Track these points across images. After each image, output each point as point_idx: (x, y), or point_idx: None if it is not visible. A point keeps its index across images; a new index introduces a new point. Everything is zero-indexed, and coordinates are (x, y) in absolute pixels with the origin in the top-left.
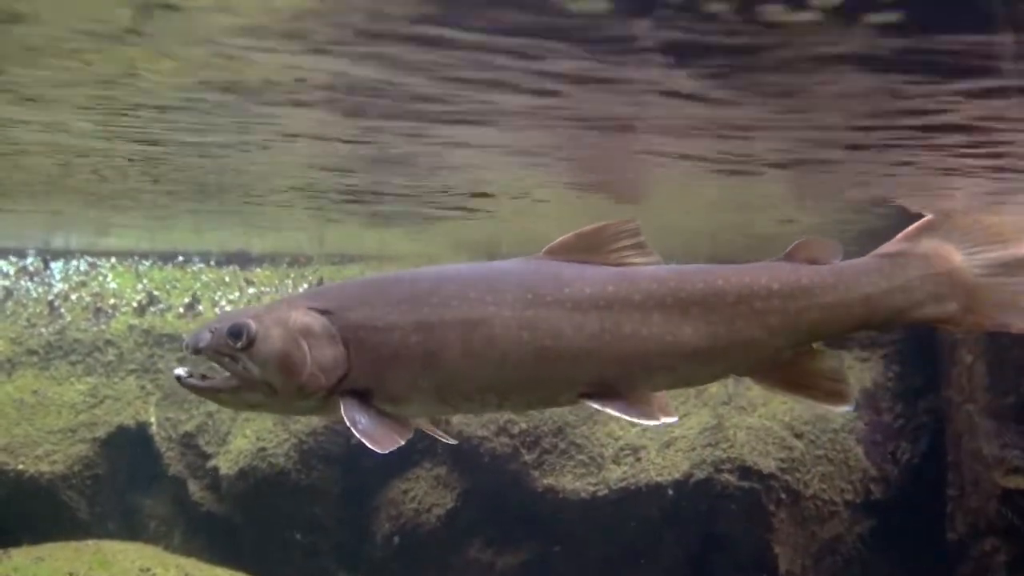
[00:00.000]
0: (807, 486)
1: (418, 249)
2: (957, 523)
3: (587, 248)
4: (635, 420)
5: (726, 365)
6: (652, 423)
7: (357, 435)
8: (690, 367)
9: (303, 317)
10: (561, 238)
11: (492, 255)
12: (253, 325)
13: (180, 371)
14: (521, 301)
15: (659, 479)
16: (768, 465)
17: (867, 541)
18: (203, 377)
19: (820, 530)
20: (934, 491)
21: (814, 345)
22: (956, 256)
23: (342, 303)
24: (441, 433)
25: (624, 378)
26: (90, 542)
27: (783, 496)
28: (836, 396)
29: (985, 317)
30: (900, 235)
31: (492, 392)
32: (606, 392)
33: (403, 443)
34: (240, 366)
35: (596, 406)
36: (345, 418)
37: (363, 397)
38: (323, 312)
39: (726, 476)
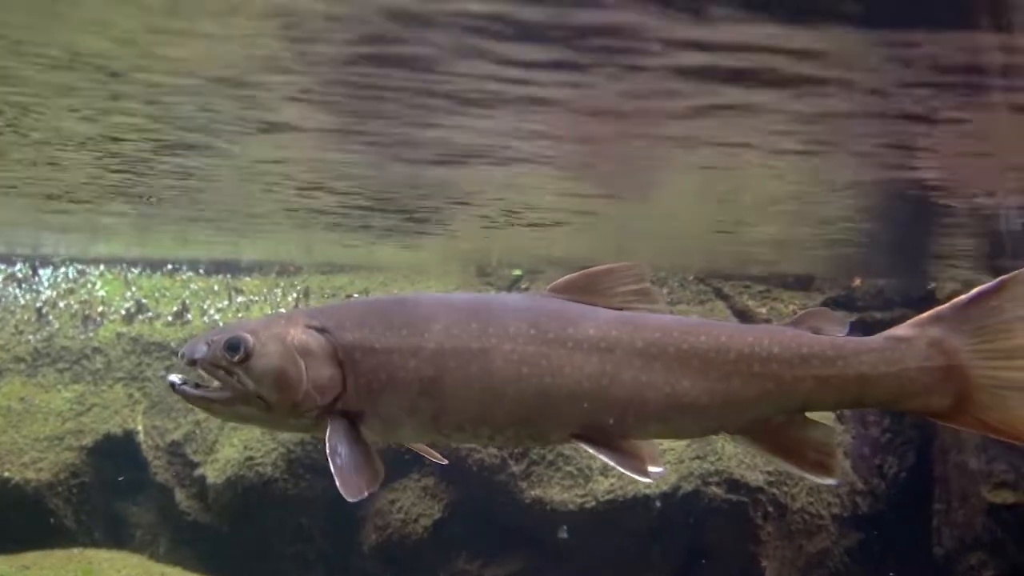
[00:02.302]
0: (794, 499)
1: (408, 260)
2: (944, 537)
3: (592, 289)
4: (625, 472)
5: (718, 422)
6: (643, 478)
7: (332, 468)
8: (684, 420)
9: (301, 334)
10: (567, 277)
11: (481, 267)
12: (250, 339)
13: (174, 378)
14: (523, 336)
15: (647, 491)
16: (756, 478)
17: (854, 555)
18: (197, 386)
19: (807, 544)
20: (921, 505)
21: (807, 414)
22: (960, 352)
23: (341, 322)
24: (431, 452)
25: (618, 423)
26: (75, 550)
27: (770, 509)
28: (821, 468)
29: (976, 419)
30: (912, 320)
31: (486, 424)
32: (598, 436)
33: (367, 495)
34: (235, 380)
35: (589, 449)
36: (327, 445)
37: (354, 421)
38: (321, 330)
39: (714, 489)
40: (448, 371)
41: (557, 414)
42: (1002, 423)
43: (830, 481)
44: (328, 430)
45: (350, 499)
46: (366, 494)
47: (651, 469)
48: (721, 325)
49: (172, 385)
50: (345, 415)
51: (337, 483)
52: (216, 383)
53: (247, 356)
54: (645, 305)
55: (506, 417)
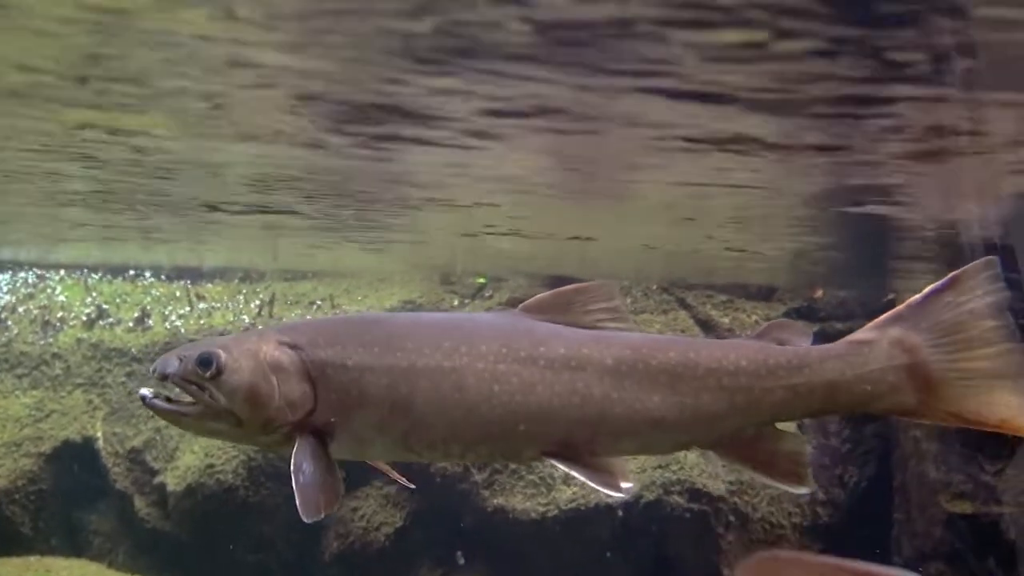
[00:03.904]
0: (755, 509)
1: (372, 267)
2: (903, 547)
3: (563, 308)
4: (598, 488)
5: (690, 437)
6: (615, 494)
7: (294, 485)
8: (655, 435)
9: (274, 351)
10: (538, 296)
11: (445, 275)
12: (223, 355)
13: (145, 391)
14: (495, 354)
15: (609, 500)
16: (717, 487)
17: None
18: (168, 400)
19: None
20: (881, 515)
21: (777, 425)
22: (920, 349)
23: (314, 339)
24: (397, 475)
25: (590, 440)
26: (33, 558)
27: (732, 518)
28: (794, 477)
29: (944, 411)
30: (871, 323)
31: (457, 442)
32: (570, 453)
33: (323, 515)
34: (207, 395)
35: (560, 466)
36: (292, 462)
37: (324, 439)
38: (293, 347)
39: (676, 498)
40: (420, 389)
41: (528, 432)
42: (969, 413)
43: (803, 490)
44: (295, 447)
45: (307, 519)
46: (323, 515)
47: (622, 484)
48: (689, 341)
49: (143, 399)
50: (315, 432)
51: (297, 501)
52: (187, 398)
53: (219, 372)
54: (615, 324)
55: (477, 435)
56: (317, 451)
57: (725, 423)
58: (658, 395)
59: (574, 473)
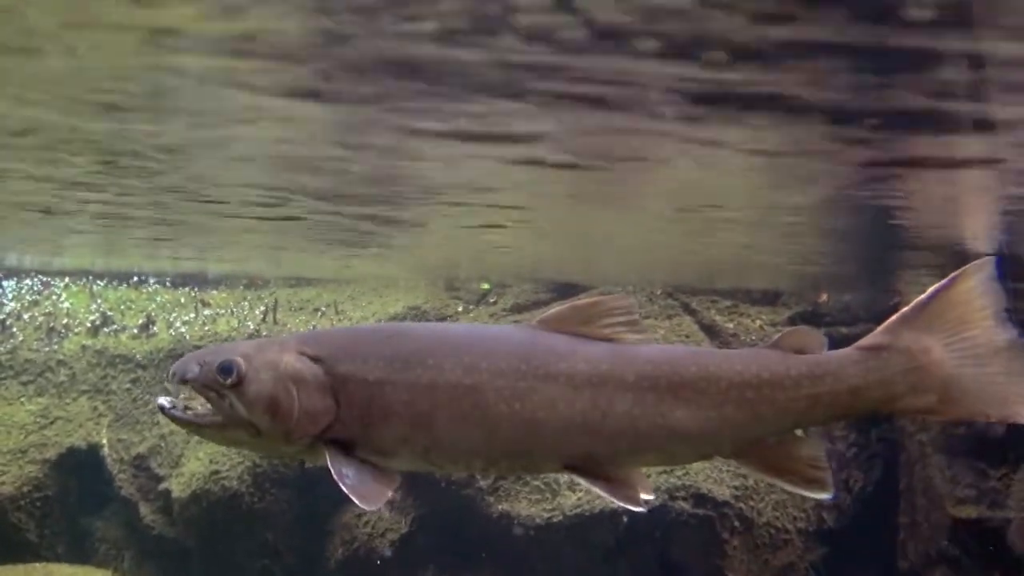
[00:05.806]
0: (760, 514)
1: (376, 273)
2: (908, 552)
3: (580, 321)
4: (619, 502)
5: (713, 448)
6: (637, 508)
7: (345, 490)
8: (678, 448)
9: (294, 363)
10: (555, 309)
11: (450, 278)
12: (243, 364)
13: (163, 400)
14: (515, 371)
15: (614, 506)
16: (722, 492)
17: (820, 569)
18: (186, 409)
19: (773, 558)
20: (886, 520)
21: (797, 432)
22: (934, 349)
23: (335, 352)
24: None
25: (612, 455)
26: (38, 565)
27: (737, 524)
28: (815, 483)
29: (962, 407)
30: (882, 327)
31: (479, 457)
32: (591, 467)
33: (390, 497)
34: (227, 403)
35: (581, 481)
36: (332, 471)
37: (347, 447)
38: (315, 359)
39: (681, 503)
40: (441, 406)
41: (550, 448)
42: (982, 409)
43: (825, 496)
44: (328, 456)
45: (372, 508)
46: (389, 495)
47: (643, 496)
48: (709, 353)
49: (161, 408)
50: (337, 442)
51: (355, 500)
52: (205, 405)
53: (239, 381)
54: (633, 336)
55: (499, 451)
56: (349, 455)
57: (748, 433)
58: (681, 409)
59: (595, 489)
